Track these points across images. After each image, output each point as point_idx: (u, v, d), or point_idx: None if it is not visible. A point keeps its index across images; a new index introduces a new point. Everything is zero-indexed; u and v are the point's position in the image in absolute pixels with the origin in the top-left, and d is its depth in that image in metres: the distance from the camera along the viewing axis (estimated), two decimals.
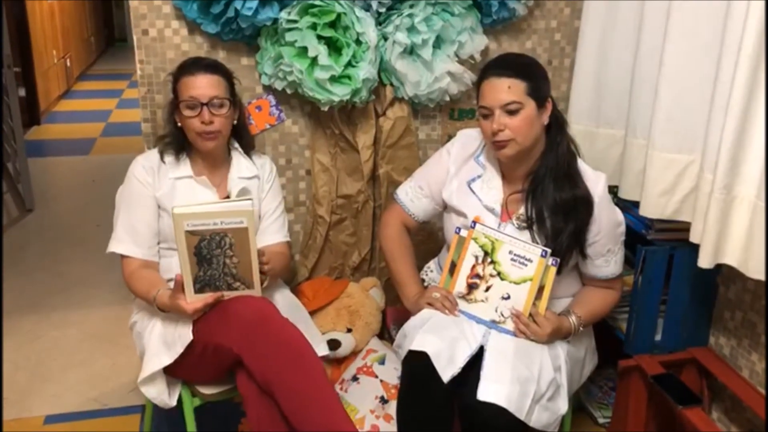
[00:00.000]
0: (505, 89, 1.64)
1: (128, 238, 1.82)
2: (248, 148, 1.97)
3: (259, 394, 1.65)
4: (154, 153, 1.87)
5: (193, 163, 1.88)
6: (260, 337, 1.64)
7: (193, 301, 1.67)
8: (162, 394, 1.76)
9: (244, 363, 1.64)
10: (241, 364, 1.66)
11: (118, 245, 1.83)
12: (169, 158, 1.86)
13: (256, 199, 1.90)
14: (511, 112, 1.65)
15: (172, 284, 1.77)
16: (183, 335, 1.71)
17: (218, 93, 1.78)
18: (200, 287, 1.67)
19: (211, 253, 1.64)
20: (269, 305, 1.73)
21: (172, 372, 1.76)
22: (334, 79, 2.01)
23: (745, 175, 1.56)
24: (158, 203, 1.83)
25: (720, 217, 1.60)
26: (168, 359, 1.71)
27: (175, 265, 1.82)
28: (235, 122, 1.88)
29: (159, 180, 1.83)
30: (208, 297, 1.68)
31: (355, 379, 2.11)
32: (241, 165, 1.93)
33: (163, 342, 1.75)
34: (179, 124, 1.83)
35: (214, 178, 1.88)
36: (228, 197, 1.87)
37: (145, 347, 1.78)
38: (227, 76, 1.84)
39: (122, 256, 1.83)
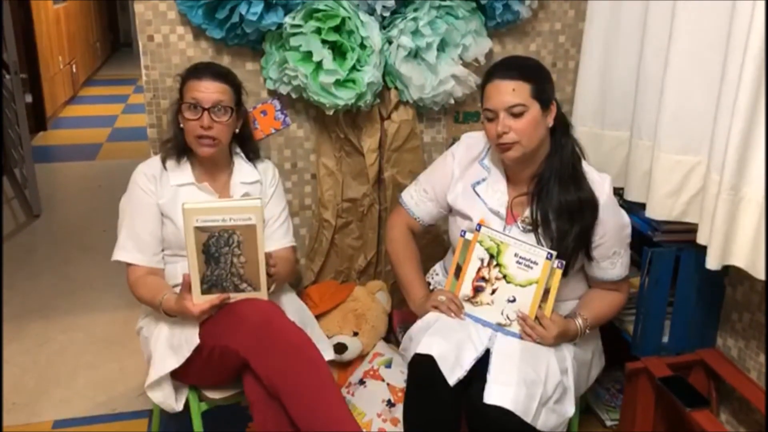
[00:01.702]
0: (510, 92, 1.64)
1: (132, 246, 1.82)
2: (252, 155, 1.97)
3: (265, 398, 1.65)
4: (155, 160, 1.88)
5: (194, 168, 1.88)
6: (266, 340, 1.64)
7: (199, 303, 1.68)
8: (168, 399, 1.77)
9: (251, 366, 1.64)
10: (247, 368, 1.67)
11: (122, 253, 1.83)
12: (170, 163, 1.86)
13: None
14: (516, 115, 1.64)
15: (178, 289, 1.77)
16: (189, 339, 1.71)
17: (222, 99, 1.78)
18: (207, 287, 1.68)
19: (219, 251, 1.64)
20: (275, 308, 1.73)
21: (179, 376, 1.77)
22: (338, 83, 2.02)
23: (752, 175, 1.56)
24: (161, 211, 1.83)
25: (727, 218, 1.59)
26: (175, 363, 1.72)
27: (181, 271, 1.82)
28: (238, 131, 1.88)
29: (161, 188, 1.83)
30: (214, 298, 1.68)
31: (361, 382, 2.11)
32: (243, 170, 1.93)
33: (169, 346, 1.75)
34: (181, 126, 1.83)
35: (216, 184, 1.89)
36: None
37: (151, 352, 1.79)
38: (235, 85, 1.85)
39: (127, 264, 1.84)
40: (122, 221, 1.86)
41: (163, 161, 1.86)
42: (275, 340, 1.65)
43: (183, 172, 1.86)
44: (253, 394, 1.67)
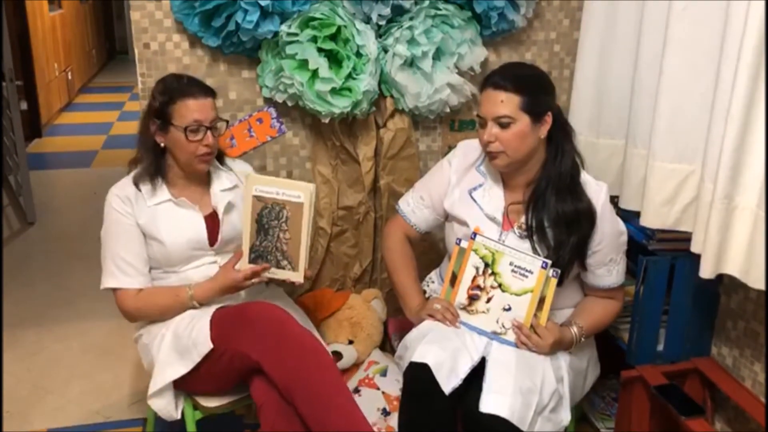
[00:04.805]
0: (498, 102, 1.64)
1: (118, 271, 1.80)
2: (221, 159, 1.94)
3: (275, 402, 1.65)
4: (127, 182, 1.83)
5: (171, 185, 1.84)
6: (280, 343, 1.65)
7: (243, 268, 1.75)
8: (169, 406, 1.75)
9: (264, 368, 1.64)
10: (255, 372, 1.67)
11: (110, 280, 1.81)
12: (144, 187, 1.81)
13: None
14: (503, 126, 1.65)
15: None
16: (200, 344, 1.69)
17: (216, 115, 1.80)
18: (254, 258, 1.77)
19: (269, 223, 1.73)
20: (284, 311, 1.75)
21: (177, 383, 1.75)
22: (334, 92, 2.02)
23: (745, 184, 1.56)
24: (143, 231, 1.81)
25: (721, 226, 1.60)
26: (183, 369, 1.70)
27: (175, 283, 1.82)
28: None
29: (138, 208, 1.80)
30: (257, 267, 1.74)
31: (356, 391, 2.10)
32: (221, 178, 1.91)
33: (175, 351, 1.73)
34: (162, 145, 1.80)
35: (194, 196, 1.86)
36: (215, 212, 1.85)
37: (154, 359, 1.77)
38: (215, 95, 1.83)
39: (114, 290, 1.81)
40: (105, 248, 1.83)
41: (136, 184, 1.82)
42: (288, 343, 1.66)
43: (159, 192, 1.82)
44: (261, 398, 1.66)
